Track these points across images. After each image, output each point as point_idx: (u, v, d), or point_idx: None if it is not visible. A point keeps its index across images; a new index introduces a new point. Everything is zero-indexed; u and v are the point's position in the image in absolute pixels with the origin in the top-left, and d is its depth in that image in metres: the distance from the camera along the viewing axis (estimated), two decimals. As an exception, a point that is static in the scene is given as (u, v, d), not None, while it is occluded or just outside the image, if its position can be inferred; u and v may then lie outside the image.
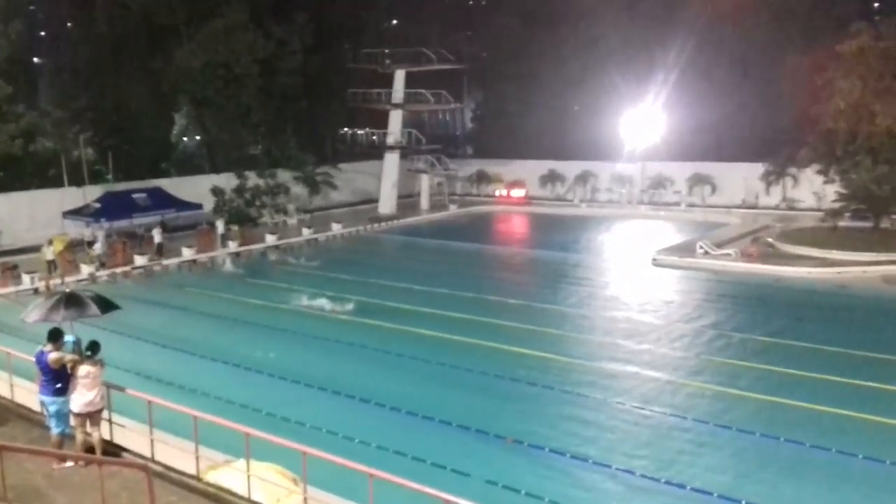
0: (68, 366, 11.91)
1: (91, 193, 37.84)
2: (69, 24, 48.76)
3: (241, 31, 44.27)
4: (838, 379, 18.67)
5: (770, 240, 35.43)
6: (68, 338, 12.45)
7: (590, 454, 15.10)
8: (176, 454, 11.93)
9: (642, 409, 17.49)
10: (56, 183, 39.10)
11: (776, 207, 45.43)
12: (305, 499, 10.25)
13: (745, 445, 15.59)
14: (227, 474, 11.31)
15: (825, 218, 36.14)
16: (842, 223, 35.40)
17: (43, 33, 49.82)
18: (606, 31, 50.41)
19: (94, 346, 11.97)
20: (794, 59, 40.34)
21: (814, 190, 43.06)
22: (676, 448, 15.64)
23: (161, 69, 44.81)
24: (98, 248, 32.80)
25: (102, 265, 31.90)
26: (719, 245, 34.07)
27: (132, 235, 35.69)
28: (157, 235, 34.61)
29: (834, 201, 36.47)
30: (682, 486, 13.80)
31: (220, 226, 37.24)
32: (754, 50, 46.20)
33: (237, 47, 43.73)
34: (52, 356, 11.90)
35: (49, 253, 30.75)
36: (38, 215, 36.74)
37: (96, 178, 41.17)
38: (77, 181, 38.81)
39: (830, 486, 13.88)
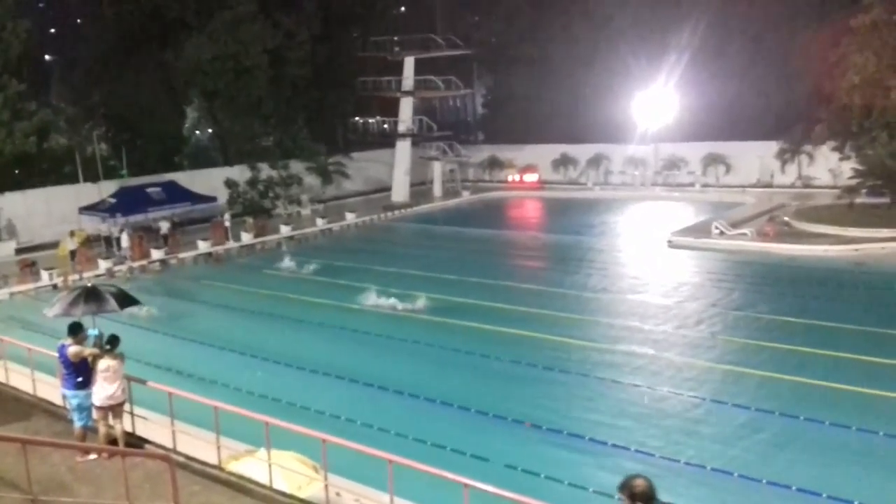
0: (89, 359, 12.04)
1: (106, 189, 38.08)
2: (79, 21, 48.97)
3: (250, 22, 44.31)
4: (858, 357, 18.53)
5: (786, 218, 35.15)
6: (91, 332, 12.60)
7: (608, 437, 15.10)
8: (198, 445, 12.07)
9: (660, 390, 17.45)
10: (71, 179, 39.42)
11: (791, 186, 45.03)
12: (326, 486, 10.34)
13: (763, 424, 15.51)
14: (249, 463, 11.42)
15: (841, 195, 35.87)
16: (858, 200, 35.10)
17: (53, 30, 50.09)
18: (617, 11, 49.99)
19: (113, 340, 12.08)
20: (807, 35, 39.91)
21: (829, 167, 42.71)
22: (696, 428, 15.62)
23: (171, 63, 44.93)
24: (124, 243, 33.32)
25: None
26: (735, 225, 33.84)
27: (147, 229, 35.94)
28: (163, 228, 35.07)
29: (850, 178, 36.15)
30: (702, 467, 13.79)
31: (226, 218, 37.33)
32: (767, 27, 45.67)
33: (246, 38, 43.76)
34: (72, 350, 12.03)
35: (71, 243, 31.09)
36: (54, 212, 37.09)
37: (111, 173, 41.44)
38: (92, 177, 39.10)
39: (850, 463, 13.81)
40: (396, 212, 45.88)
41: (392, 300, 25.20)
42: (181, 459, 11.45)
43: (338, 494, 10.56)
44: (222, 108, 47.07)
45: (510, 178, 55.08)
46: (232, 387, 17.96)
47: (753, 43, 46.27)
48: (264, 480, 10.71)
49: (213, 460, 11.57)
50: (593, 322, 23.05)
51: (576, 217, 42.69)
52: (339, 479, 10.87)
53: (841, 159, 39.95)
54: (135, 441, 12.54)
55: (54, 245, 34.31)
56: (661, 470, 13.91)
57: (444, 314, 23.74)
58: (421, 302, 24.85)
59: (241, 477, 11.08)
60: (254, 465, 11.27)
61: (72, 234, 32.15)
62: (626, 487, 6.07)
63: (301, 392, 17.75)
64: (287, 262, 31.68)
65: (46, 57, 49.92)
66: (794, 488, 12.82)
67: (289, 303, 26.17)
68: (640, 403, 16.93)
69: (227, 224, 37.12)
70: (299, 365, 19.66)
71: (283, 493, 10.43)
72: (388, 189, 51.07)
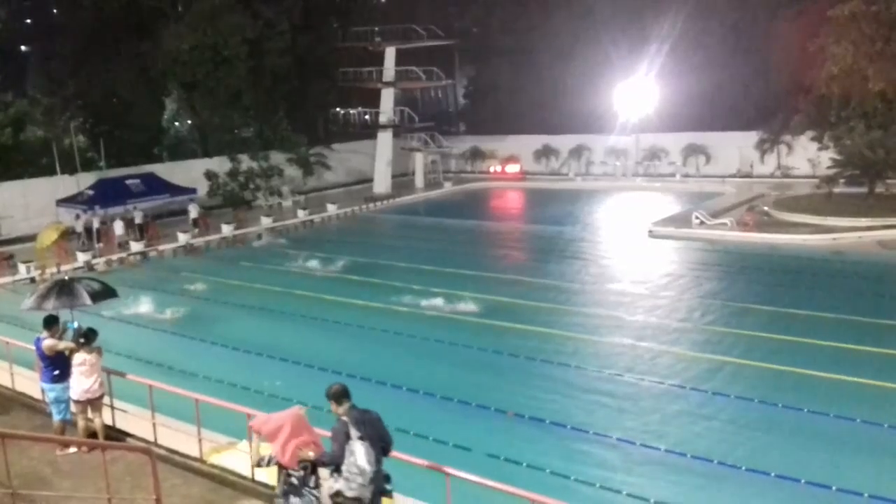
0: (66, 353, 11.96)
1: (84, 181, 37.74)
2: (55, 11, 48.35)
3: (229, 12, 43.91)
4: (836, 344, 18.76)
5: (765, 208, 35.48)
6: (70, 325, 12.55)
7: (590, 425, 15.20)
8: (179, 438, 12.03)
9: (642, 379, 17.58)
10: (48, 171, 38.98)
11: (771, 176, 45.47)
12: (309, 477, 10.30)
13: (743, 412, 15.69)
14: (231, 456, 11.39)
15: (820, 185, 36.21)
16: (836, 189, 35.45)
17: (29, 21, 49.43)
18: (597, 2, 50.12)
19: (88, 335, 11.98)
20: (786, 26, 40.21)
21: (808, 157, 43.16)
22: (675, 417, 15.77)
23: (149, 53, 44.49)
24: (119, 230, 33.78)
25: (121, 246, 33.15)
26: (715, 215, 34.11)
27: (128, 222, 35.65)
28: (137, 217, 35.12)
29: (828, 168, 36.51)
30: (682, 455, 13.91)
31: (192, 210, 37.03)
32: (746, 17, 45.98)
33: (225, 29, 43.36)
34: (46, 343, 11.99)
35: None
36: (31, 204, 36.73)
37: (89, 165, 41.04)
38: (69, 169, 38.69)
39: (830, 450, 13.99)
40: (378, 203, 45.81)
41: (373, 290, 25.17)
42: (162, 452, 11.44)
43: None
44: (201, 99, 46.69)
45: (492, 169, 55.17)
46: (213, 379, 17.88)
47: (733, 34, 46.58)
48: (246, 473, 10.69)
49: (194, 453, 11.55)
50: (574, 312, 23.15)
51: (557, 207, 42.83)
52: (322, 471, 10.83)
53: (819, 149, 40.35)
54: (115, 434, 12.52)
55: (32, 238, 33.93)
56: (643, 457, 14.09)
57: (424, 305, 23.71)
58: (400, 293, 24.83)
59: (222, 469, 11.06)
60: (235, 458, 11.24)
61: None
62: (326, 393, 7.96)
63: (278, 382, 17.72)
64: (269, 254, 31.57)
65: (22, 48, 49.29)
66: (772, 474, 12.96)
67: (272, 294, 26.10)
68: (621, 392, 17.03)
69: (195, 215, 36.86)
70: (282, 356, 19.61)
71: (265, 485, 10.41)
72: (369, 180, 50.98)
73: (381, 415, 15.05)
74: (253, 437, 8.53)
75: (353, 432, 7.75)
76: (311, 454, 7.97)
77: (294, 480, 7.96)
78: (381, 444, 8.00)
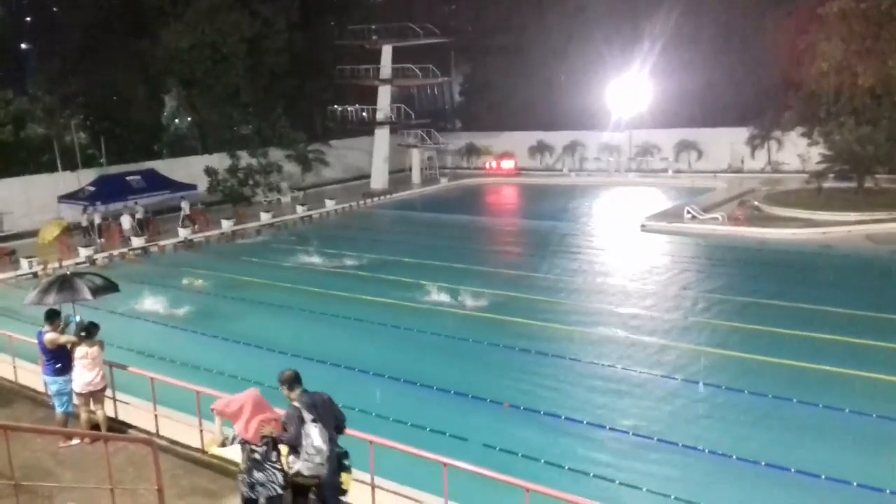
0: (67, 346, 12.20)
1: (85, 177, 37.97)
2: (55, 9, 48.44)
3: (227, 11, 44.08)
4: (825, 336, 19.10)
5: (756, 203, 35.80)
6: (73, 319, 12.80)
7: (584, 416, 15.48)
8: (180, 429, 12.23)
9: (634, 370, 17.89)
10: (50, 168, 39.22)
11: (762, 171, 45.79)
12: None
13: (734, 403, 16.01)
14: (231, 447, 11.64)
15: (810, 179, 36.54)
16: (826, 184, 35.79)
17: (29, 19, 49.51)
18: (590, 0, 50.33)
19: (89, 328, 12.18)
20: (777, 23, 40.47)
21: (798, 152, 43.47)
22: (668, 407, 16.09)
23: (149, 51, 44.66)
24: (125, 224, 34.15)
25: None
26: (706, 210, 34.44)
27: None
28: (139, 212, 35.45)
29: (818, 163, 36.83)
30: (674, 444, 14.19)
31: (185, 207, 37.18)
32: (737, 15, 46.23)
33: (224, 27, 43.56)
34: (48, 337, 12.21)
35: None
36: (33, 200, 36.91)
37: (89, 162, 41.24)
38: (70, 166, 38.92)
39: (818, 439, 14.28)
40: (375, 199, 46.06)
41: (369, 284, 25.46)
42: (164, 443, 11.62)
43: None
44: (201, 97, 46.84)
45: (487, 165, 55.43)
46: (214, 371, 18.17)
47: (724, 31, 46.83)
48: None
49: (196, 444, 11.78)
50: (568, 305, 23.46)
51: (552, 203, 43.08)
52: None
53: (809, 145, 40.67)
54: (117, 426, 12.71)
55: (33, 234, 34.25)
56: (636, 446, 14.36)
57: (421, 298, 24.03)
58: (397, 286, 25.11)
59: (223, 459, 11.16)
60: (237, 449, 11.46)
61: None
62: (278, 378, 8.57)
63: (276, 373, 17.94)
64: (268, 249, 31.78)
65: (23, 45, 49.37)
66: (763, 464, 13.24)
67: (270, 289, 26.40)
68: (614, 383, 17.31)
69: (187, 212, 37.13)
70: (281, 349, 19.87)
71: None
72: (367, 176, 51.21)
73: (381, 407, 15.41)
74: (216, 419, 9.02)
75: (307, 416, 8.27)
76: (273, 431, 8.41)
77: (257, 456, 8.40)
78: (334, 424, 8.52)
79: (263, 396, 8.75)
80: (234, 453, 11.36)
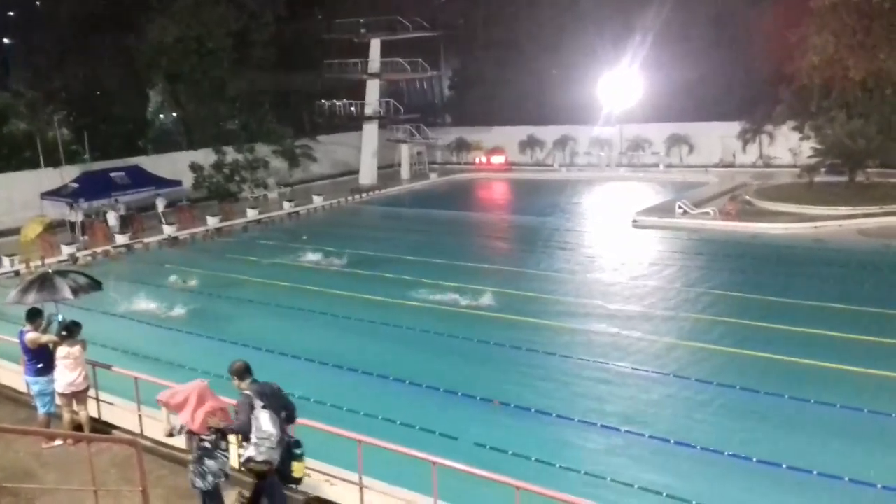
0: (49, 346, 11.98)
1: (68, 174, 37.49)
2: (38, 3, 47.91)
3: (213, 4, 43.68)
4: (815, 331, 19.02)
5: (747, 197, 35.79)
6: (55, 318, 12.56)
7: (575, 413, 15.35)
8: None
9: (625, 366, 17.77)
10: (32, 164, 38.75)
11: (753, 165, 45.84)
12: (294, 466, 10.40)
13: (725, 399, 15.89)
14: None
15: (801, 174, 36.56)
16: (817, 178, 35.84)
17: (11, 13, 48.94)
18: (582, -7, 50.24)
19: (71, 327, 11.97)
20: (768, 17, 40.44)
21: (790, 146, 43.54)
22: (659, 403, 15.97)
23: (133, 46, 44.19)
24: (112, 221, 33.81)
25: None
26: (698, 204, 34.36)
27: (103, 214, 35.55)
28: (121, 209, 35.13)
29: (809, 157, 36.87)
30: (665, 440, 14.10)
31: (159, 204, 36.66)
32: (728, 8, 46.24)
33: (209, 20, 43.14)
34: (29, 336, 12.01)
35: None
36: (15, 197, 36.44)
37: (73, 158, 40.78)
38: (53, 162, 38.46)
39: (809, 435, 14.20)
40: (364, 194, 45.83)
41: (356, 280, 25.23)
42: (148, 444, 11.43)
43: (307, 475, 10.64)
44: (186, 92, 46.44)
45: (477, 160, 55.28)
46: (199, 370, 17.91)
47: (715, 24, 46.85)
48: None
49: (181, 444, 11.55)
50: (559, 301, 23.30)
51: (543, 198, 42.97)
52: (308, 460, 10.92)
53: (801, 139, 40.70)
54: (101, 427, 12.53)
55: (16, 231, 33.81)
56: (627, 443, 14.25)
57: (409, 295, 23.83)
58: (384, 283, 24.89)
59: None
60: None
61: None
62: (228, 370, 8.80)
63: (267, 374, 17.73)
64: (254, 246, 31.52)
65: (5, 40, 48.83)
66: (754, 460, 13.15)
67: (255, 286, 26.14)
68: (605, 380, 17.21)
69: (161, 208, 36.84)
70: (267, 347, 19.67)
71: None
72: (355, 172, 50.97)
73: (369, 406, 15.29)
74: (163, 410, 9.16)
75: (257, 402, 8.53)
76: (220, 422, 8.67)
77: (207, 444, 8.63)
78: (283, 413, 8.76)
79: (210, 388, 8.94)
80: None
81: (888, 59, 33.45)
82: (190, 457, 8.73)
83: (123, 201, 35.99)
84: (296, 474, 8.98)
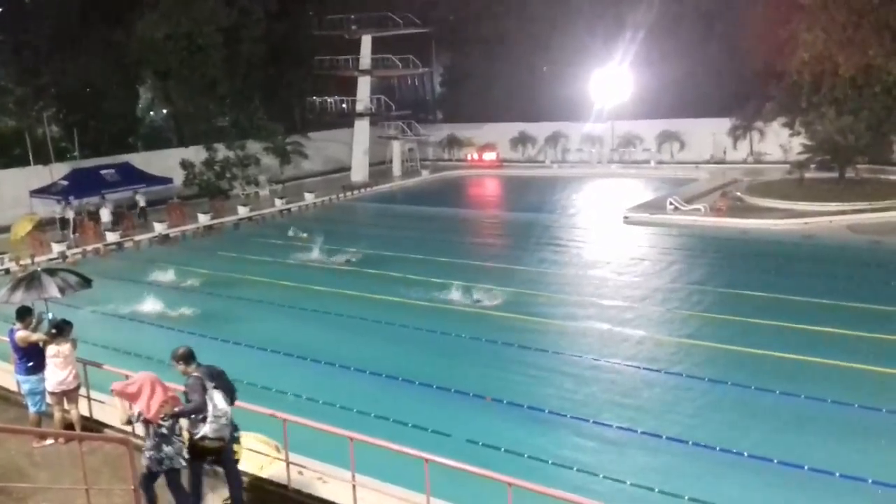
0: (40, 344, 11.92)
1: (58, 171, 37.32)
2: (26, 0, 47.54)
3: (203, 0, 43.45)
4: (806, 327, 19.12)
5: (738, 194, 35.92)
6: (46, 315, 12.51)
7: (567, 409, 15.39)
8: (157, 428, 11.97)
9: (617, 363, 17.82)
10: (21, 162, 38.53)
11: (743, 161, 45.94)
12: (288, 465, 10.40)
13: (717, 395, 15.96)
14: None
15: (791, 170, 36.70)
16: (808, 175, 35.97)
17: (-1, 9, 48.55)
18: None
19: (61, 326, 11.90)
20: (758, 13, 40.53)
21: (780, 143, 43.67)
22: (651, 400, 16.01)
23: (123, 42, 43.95)
24: (105, 217, 33.60)
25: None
26: (689, 201, 34.45)
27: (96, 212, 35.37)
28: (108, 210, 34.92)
29: (800, 153, 36.99)
30: (657, 436, 14.13)
31: (140, 201, 36.52)
32: (718, 5, 46.31)
33: (199, 16, 42.87)
34: (19, 335, 11.93)
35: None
36: (4, 195, 36.25)
37: (62, 155, 40.56)
38: (43, 159, 38.24)
39: (800, 430, 14.27)
40: (356, 191, 45.74)
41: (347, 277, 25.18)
42: (140, 443, 11.34)
43: (300, 473, 10.64)
44: (176, 88, 46.23)
45: (469, 157, 55.21)
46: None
47: (706, 21, 46.92)
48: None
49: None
50: (551, 298, 23.34)
51: (534, 195, 43.00)
52: (301, 458, 10.94)
53: (791, 135, 40.84)
54: (93, 425, 12.44)
55: (5, 229, 33.64)
56: (619, 439, 14.29)
57: (402, 293, 23.81)
58: (375, 279, 24.86)
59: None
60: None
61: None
62: (172, 355, 9.24)
63: (258, 371, 17.74)
64: (245, 243, 31.41)
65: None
66: (746, 455, 13.22)
67: (245, 283, 26.07)
68: (597, 376, 17.25)
69: (142, 204, 36.67)
70: (260, 346, 19.64)
71: (245, 473, 10.47)
72: (347, 169, 50.85)
73: (363, 403, 15.28)
74: (117, 400, 9.45)
75: (208, 383, 8.92)
76: (174, 408, 8.99)
77: (164, 431, 8.91)
78: (230, 394, 9.15)
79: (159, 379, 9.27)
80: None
81: (878, 55, 33.63)
82: (146, 444, 8.96)
83: (112, 199, 35.81)
84: (237, 455, 9.63)
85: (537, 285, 24.62)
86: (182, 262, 29.43)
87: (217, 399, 8.87)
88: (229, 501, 9.57)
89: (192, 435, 8.97)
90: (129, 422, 9.43)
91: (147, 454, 8.93)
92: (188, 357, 9.19)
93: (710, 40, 46.44)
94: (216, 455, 9.17)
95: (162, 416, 8.86)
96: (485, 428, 14.68)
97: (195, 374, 9.01)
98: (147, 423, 8.94)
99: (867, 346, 17.73)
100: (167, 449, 8.89)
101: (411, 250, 29.72)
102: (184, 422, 9.13)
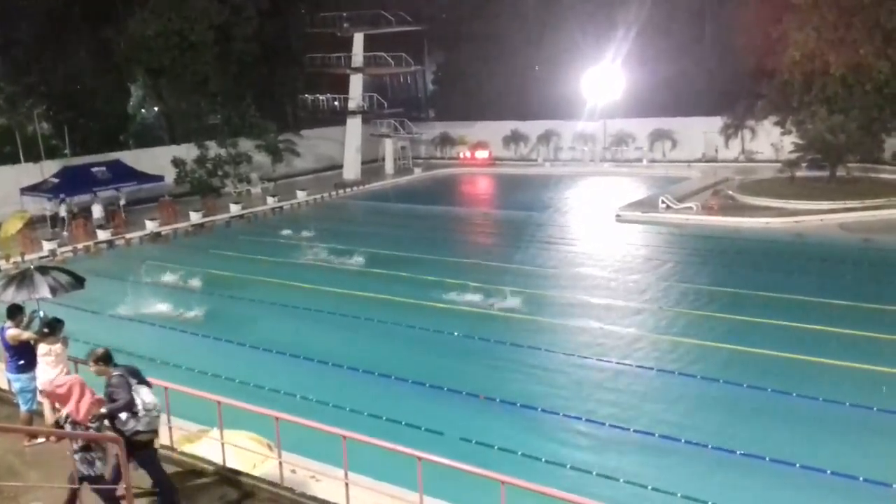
0: (31, 342, 11.86)
1: (48, 169, 37.12)
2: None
3: (194, -3, 43.29)
4: (797, 325, 19.19)
5: (730, 192, 36.01)
6: (38, 314, 12.45)
7: (560, 407, 15.41)
8: (150, 426, 11.93)
9: (610, 361, 17.84)
10: (12, 160, 38.28)
11: (735, 160, 46.08)
12: (280, 463, 10.39)
13: (709, 393, 16.01)
14: (203, 444, 11.38)
15: (783, 169, 36.84)
16: (799, 173, 36.12)
17: (-13, 5, 48.21)
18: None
19: (52, 325, 11.83)
20: (750, 12, 40.65)
21: (771, 141, 43.81)
22: (643, 397, 16.04)
23: (114, 39, 43.73)
24: (97, 213, 33.46)
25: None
26: (681, 199, 34.54)
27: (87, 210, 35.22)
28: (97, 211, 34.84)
29: (791, 152, 37.14)
30: (650, 434, 14.16)
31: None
32: (710, 4, 46.42)
33: (191, 14, 42.69)
34: (10, 333, 11.86)
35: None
36: (-6, 193, 36.04)
37: (53, 152, 40.34)
38: (33, 157, 38.03)
39: (791, 428, 14.32)
40: (348, 189, 45.68)
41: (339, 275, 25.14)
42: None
43: (293, 471, 10.62)
44: (168, 86, 46.05)
45: (461, 155, 55.23)
46: (184, 367, 17.82)
47: (698, 20, 47.05)
48: (218, 460, 10.71)
49: (165, 441, 11.48)
50: (543, 296, 23.35)
51: (527, 193, 43.00)
52: (293, 457, 10.93)
53: (782, 134, 40.97)
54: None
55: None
56: (612, 437, 14.31)
57: (395, 291, 23.79)
58: (366, 277, 24.81)
59: (194, 457, 11.02)
60: (207, 446, 11.24)
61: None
62: (90, 355, 9.23)
63: (251, 369, 17.73)
64: (236, 241, 31.31)
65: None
66: (738, 453, 13.27)
67: (237, 281, 26.00)
68: (589, 375, 17.27)
69: (123, 202, 36.50)
70: (252, 344, 19.58)
71: (237, 472, 10.45)
72: (339, 167, 50.77)
73: (355, 401, 15.30)
74: (45, 402, 9.62)
75: (132, 380, 9.09)
76: (101, 409, 9.04)
77: (93, 432, 8.97)
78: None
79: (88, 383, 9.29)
80: (206, 451, 11.17)
81: (868, 54, 33.78)
82: (74, 446, 8.96)
83: (104, 197, 35.65)
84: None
85: (529, 283, 24.60)
86: (173, 259, 29.30)
87: (144, 394, 9.02)
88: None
89: (122, 433, 8.93)
90: (58, 424, 9.40)
91: (75, 457, 8.92)
92: (108, 357, 9.27)
93: (702, 39, 46.62)
94: (148, 448, 9.24)
95: (91, 417, 8.91)
96: (478, 426, 14.69)
97: (116, 373, 9.10)
98: (75, 424, 8.98)
99: (859, 344, 17.79)
100: (96, 451, 8.92)
101: (403, 248, 29.70)
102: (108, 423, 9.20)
